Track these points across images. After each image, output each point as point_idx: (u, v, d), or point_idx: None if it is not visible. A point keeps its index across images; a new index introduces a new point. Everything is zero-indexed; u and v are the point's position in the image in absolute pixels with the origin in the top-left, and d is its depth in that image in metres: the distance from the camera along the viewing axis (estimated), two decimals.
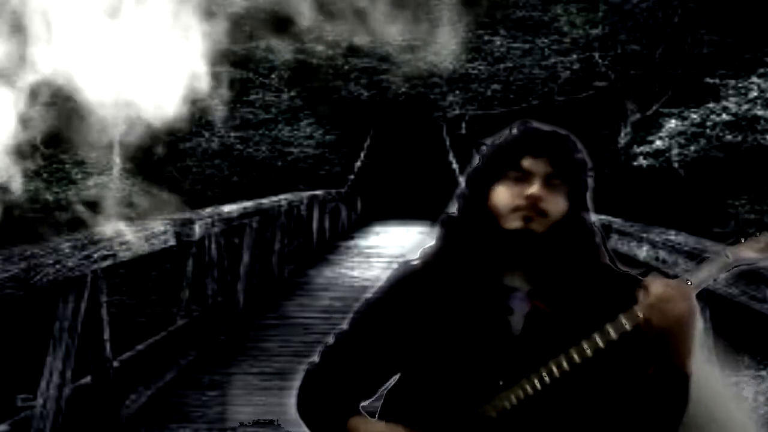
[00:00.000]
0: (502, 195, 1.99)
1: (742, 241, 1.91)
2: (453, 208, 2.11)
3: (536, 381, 1.92)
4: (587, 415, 1.95)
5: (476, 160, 2.10)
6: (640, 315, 1.87)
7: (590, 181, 2.07)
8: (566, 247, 2.00)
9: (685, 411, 1.94)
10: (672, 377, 1.91)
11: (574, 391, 1.94)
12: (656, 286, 1.88)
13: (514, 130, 2.07)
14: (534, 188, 1.96)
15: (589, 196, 2.07)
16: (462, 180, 2.14)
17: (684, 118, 14.25)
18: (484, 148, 2.10)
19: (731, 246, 1.92)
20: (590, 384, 1.94)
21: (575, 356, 1.90)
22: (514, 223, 1.97)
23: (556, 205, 1.98)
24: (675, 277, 1.95)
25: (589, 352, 1.90)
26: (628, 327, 1.89)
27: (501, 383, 1.94)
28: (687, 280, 1.90)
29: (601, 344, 1.90)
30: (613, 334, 1.90)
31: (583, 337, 1.92)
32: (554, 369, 1.91)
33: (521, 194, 1.97)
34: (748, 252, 1.90)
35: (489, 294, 2.00)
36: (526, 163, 1.98)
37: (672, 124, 14.29)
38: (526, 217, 1.96)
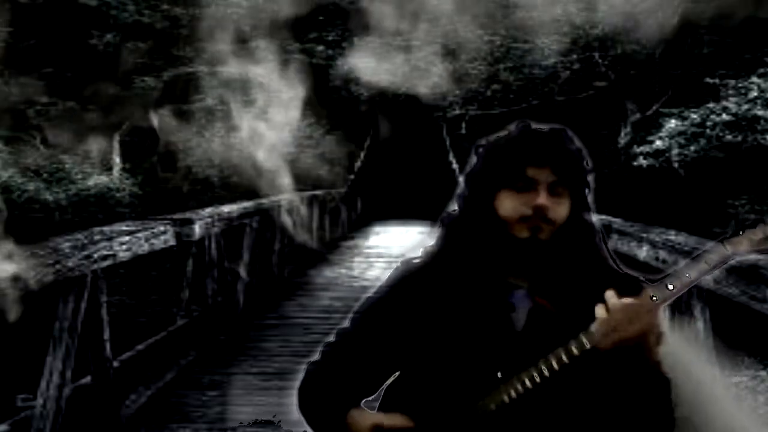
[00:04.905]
0: (508, 204, 2.01)
1: (740, 234, 1.92)
2: (453, 208, 2.13)
3: (535, 375, 1.94)
4: (584, 409, 1.98)
5: (475, 161, 2.11)
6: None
7: (591, 181, 2.09)
8: (570, 248, 2.03)
9: (668, 399, 1.97)
10: (645, 370, 1.94)
11: (572, 385, 1.96)
12: (611, 310, 1.90)
13: (514, 134, 2.08)
14: (541, 199, 1.99)
15: (590, 196, 2.09)
16: (461, 180, 2.15)
17: (684, 118, 14.25)
18: (481, 149, 2.11)
19: (729, 239, 1.93)
20: (587, 378, 1.96)
21: (573, 350, 1.93)
22: (522, 233, 2.00)
23: (561, 211, 2.02)
24: (667, 274, 1.96)
25: (588, 345, 1.92)
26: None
27: (500, 376, 1.96)
28: (652, 296, 1.91)
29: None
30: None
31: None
32: (553, 363, 1.93)
33: (527, 203, 2.00)
34: (745, 245, 1.91)
35: (492, 291, 2.03)
36: (531, 172, 2.00)
37: (672, 124, 14.29)
38: (534, 227, 1.99)
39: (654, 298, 1.91)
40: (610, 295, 1.91)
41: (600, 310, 1.91)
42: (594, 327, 1.91)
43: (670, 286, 1.91)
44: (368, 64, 19.51)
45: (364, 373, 2.10)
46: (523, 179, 2.00)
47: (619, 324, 1.89)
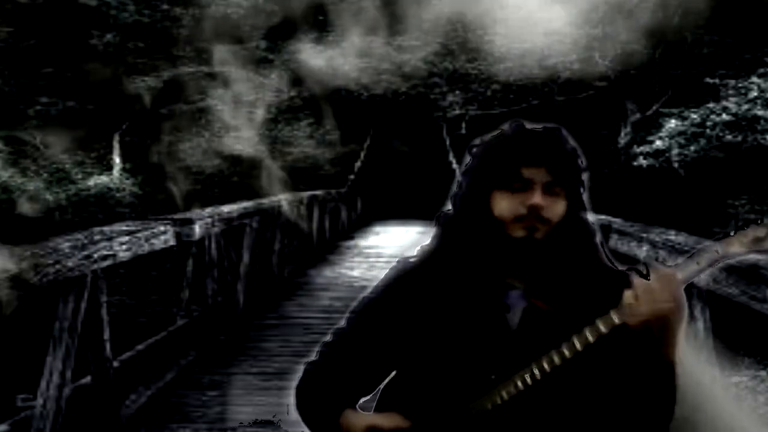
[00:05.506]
0: (504, 204, 2.01)
1: (731, 235, 1.93)
2: (448, 207, 2.13)
3: (528, 376, 1.94)
4: (578, 408, 1.98)
5: (469, 160, 2.10)
6: (628, 307, 1.90)
7: (586, 179, 2.08)
8: (566, 247, 2.03)
9: (673, 402, 1.96)
10: (657, 367, 1.93)
11: (566, 385, 1.96)
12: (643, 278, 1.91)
13: (508, 133, 2.07)
14: (536, 198, 1.98)
15: (586, 195, 2.08)
16: (457, 179, 2.15)
17: (684, 118, 14.26)
18: (476, 149, 2.10)
19: (720, 240, 1.93)
20: (581, 377, 1.96)
21: (566, 351, 1.93)
22: (518, 232, 2.00)
23: (557, 210, 2.01)
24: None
25: (579, 346, 1.92)
26: (616, 321, 1.91)
27: (494, 377, 1.97)
28: (677, 269, 1.92)
29: (591, 339, 1.92)
30: (602, 328, 1.92)
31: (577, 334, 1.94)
32: (545, 364, 1.93)
33: (523, 203, 1.99)
34: (736, 246, 1.91)
35: (487, 291, 2.02)
36: (526, 172, 2.00)
37: (672, 124, 14.30)
38: (530, 227, 1.99)
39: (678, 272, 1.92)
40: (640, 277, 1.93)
41: (632, 281, 1.91)
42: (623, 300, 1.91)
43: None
44: (369, 64, 19.52)
45: (361, 372, 2.10)
46: (519, 179, 2.00)
47: (648, 291, 1.88)
